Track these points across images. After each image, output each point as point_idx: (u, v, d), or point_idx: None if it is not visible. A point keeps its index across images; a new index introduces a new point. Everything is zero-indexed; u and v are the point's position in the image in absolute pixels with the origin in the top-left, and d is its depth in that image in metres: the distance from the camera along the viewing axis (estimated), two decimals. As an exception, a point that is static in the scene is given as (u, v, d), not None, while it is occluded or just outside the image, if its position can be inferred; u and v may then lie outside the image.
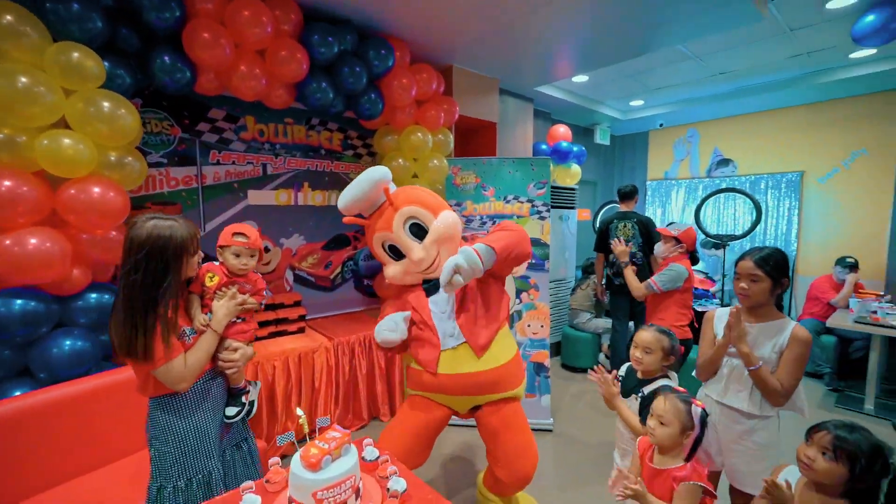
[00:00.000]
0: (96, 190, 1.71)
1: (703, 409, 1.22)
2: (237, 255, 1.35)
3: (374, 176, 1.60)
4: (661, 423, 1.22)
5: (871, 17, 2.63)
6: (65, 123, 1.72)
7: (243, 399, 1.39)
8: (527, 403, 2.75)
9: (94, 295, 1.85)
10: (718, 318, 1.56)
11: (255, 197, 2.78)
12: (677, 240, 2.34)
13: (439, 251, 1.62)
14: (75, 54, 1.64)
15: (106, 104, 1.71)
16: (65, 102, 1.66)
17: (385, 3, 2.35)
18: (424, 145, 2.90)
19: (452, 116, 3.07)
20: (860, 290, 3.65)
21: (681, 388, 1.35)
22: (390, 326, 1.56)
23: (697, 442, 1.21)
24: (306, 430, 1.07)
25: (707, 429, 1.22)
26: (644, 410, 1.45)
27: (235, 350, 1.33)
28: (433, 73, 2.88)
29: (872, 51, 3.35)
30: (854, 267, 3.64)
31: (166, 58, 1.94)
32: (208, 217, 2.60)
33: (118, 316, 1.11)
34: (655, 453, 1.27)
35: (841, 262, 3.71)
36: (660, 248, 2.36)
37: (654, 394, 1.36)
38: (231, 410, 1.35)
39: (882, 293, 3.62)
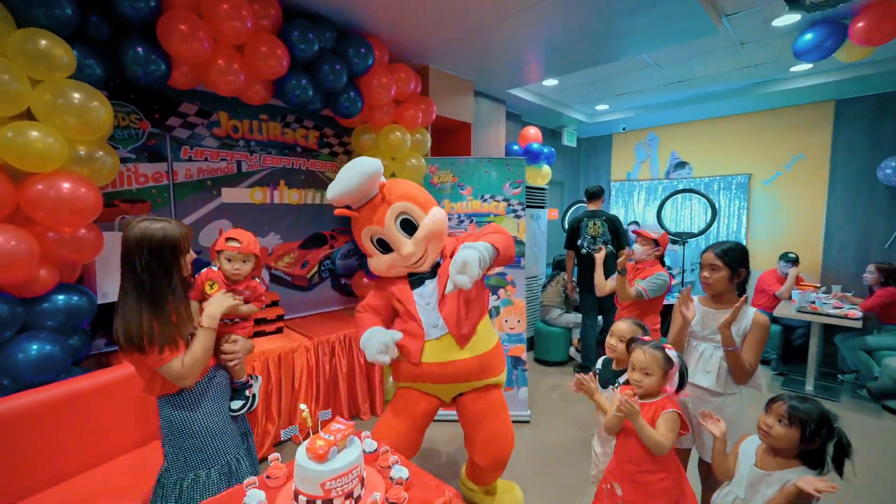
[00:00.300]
0: (66, 185, 1.62)
1: (675, 350, 1.37)
2: (229, 260, 1.38)
3: (368, 169, 1.58)
4: (647, 374, 1.35)
5: (809, 36, 2.91)
6: (29, 115, 1.62)
7: (247, 393, 1.42)
8: (505, 396, 2.84)
9: (61, 297, 1.75)
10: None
11: (230, 195, 2.71)
12: (656, 242, 2.40)
13: (427, 247, 1.67)
14: (42, 42, 1.54)
15: (76, 95, 1.62)
16: (30, 93, 1.57)
17: (363, 1, 2.35)
18: (403, 144, 2.92)
19: (430, 116, 3.11)
20: (801, 283, 4.01)
21: (647, 338, 1.48)
22: (380, 349, 1.55)
23: (683, 376, 1.36)
24: (309, 423, 1.09)
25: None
26: None
27: (236, 342, 1.38)
28: (411, 73, 2.91)
29: (809, 65, 3.71)
30: (795, 262, 3.99)
31: (139, 49, 1.86)
32: (180, 215, 2.50)
33: (128, 315, 1.12)
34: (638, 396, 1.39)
35: (784, 257, 4.06)
36: (639, 250, 2.42)
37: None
38: (236, 404, 1.39)
39: (818, 285, 4.00)
